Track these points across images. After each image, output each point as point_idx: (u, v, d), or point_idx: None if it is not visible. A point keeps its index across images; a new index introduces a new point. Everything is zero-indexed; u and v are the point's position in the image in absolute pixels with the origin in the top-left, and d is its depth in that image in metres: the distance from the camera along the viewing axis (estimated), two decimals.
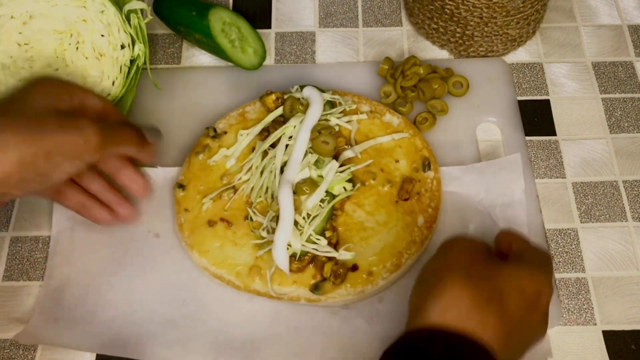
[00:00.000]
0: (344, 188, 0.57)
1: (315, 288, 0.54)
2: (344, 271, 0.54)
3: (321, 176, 0.57)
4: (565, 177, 0.62)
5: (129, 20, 0.62)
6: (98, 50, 0.61)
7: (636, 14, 0.73)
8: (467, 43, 0.68)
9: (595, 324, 0.55)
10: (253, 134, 0.61)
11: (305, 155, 0.57)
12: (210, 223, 0.57)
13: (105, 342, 0.53)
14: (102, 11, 0.61)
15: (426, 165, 0.60)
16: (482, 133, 0.64)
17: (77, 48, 0.61)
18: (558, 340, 0.54)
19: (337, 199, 0.57)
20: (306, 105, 0.59)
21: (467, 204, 0.59)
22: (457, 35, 0.67)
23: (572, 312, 0.56)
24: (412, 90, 0.64)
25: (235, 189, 0.59)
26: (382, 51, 0.70)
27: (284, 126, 0.59)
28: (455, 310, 0.40)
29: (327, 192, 0.56)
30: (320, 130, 0.58)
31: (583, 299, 0.56)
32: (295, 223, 0.55)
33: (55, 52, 0.61)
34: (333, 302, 0.54)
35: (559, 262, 0.58)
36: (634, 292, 0.56)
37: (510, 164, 0.59)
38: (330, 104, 0.61)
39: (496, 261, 0.44)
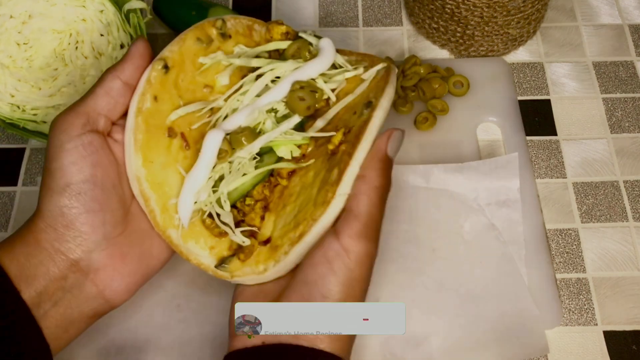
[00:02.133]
0: (291, 153, 0.47)
1: (221, 263, 0.45)
2: (252, 246, 0.45)
3: None
4: (565, 177, 0.62)
5: (128, 19, 0.61)
6: (97, 50, 0.61)
7: (637, 14, 0.73)
8: (467, 43, 0.67)
9: (596, 325, 0.55)
10: (246, 57, 0.50)
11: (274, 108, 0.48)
12: (170, 132, 0.47)
13: (100, 349, 0.53)
14: (102, 10, 0.61)
15: (364, 105, 0.44)
16: (482, 133, 0.64)
17: (76, 47, 0.61)
18: (559, 340, 0.54)
19: (273, 166, 0.46)
20: (313, 56, 0.49)
21: (462, 202, 0.58)
22: (458, 34, 0.67)
23: (572, 312, 0.56)
24: (413, 89, 0.64)
25: (212, 112, 0.49)
26: (382, 51, 0.70)
27: (277, 62, 0.49)
28: None
29: (273, 151, 0.47)
30: (304, 85, 0.48)
31: (584, 299, 0.56)
32: (223, 177, 0.46)
33: (55, 52, 0.60)
34: (243, 281, 0.45)
35: (560, 262, 0.58)
36: (635, 292, 0.56)
37: (506, 163, 0.58)
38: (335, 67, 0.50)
39: None
